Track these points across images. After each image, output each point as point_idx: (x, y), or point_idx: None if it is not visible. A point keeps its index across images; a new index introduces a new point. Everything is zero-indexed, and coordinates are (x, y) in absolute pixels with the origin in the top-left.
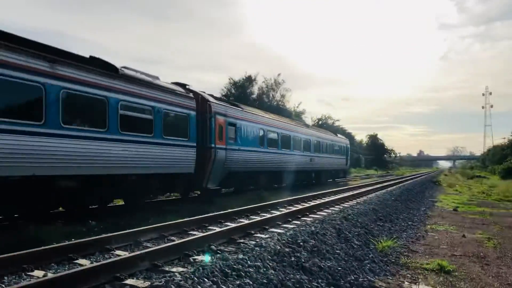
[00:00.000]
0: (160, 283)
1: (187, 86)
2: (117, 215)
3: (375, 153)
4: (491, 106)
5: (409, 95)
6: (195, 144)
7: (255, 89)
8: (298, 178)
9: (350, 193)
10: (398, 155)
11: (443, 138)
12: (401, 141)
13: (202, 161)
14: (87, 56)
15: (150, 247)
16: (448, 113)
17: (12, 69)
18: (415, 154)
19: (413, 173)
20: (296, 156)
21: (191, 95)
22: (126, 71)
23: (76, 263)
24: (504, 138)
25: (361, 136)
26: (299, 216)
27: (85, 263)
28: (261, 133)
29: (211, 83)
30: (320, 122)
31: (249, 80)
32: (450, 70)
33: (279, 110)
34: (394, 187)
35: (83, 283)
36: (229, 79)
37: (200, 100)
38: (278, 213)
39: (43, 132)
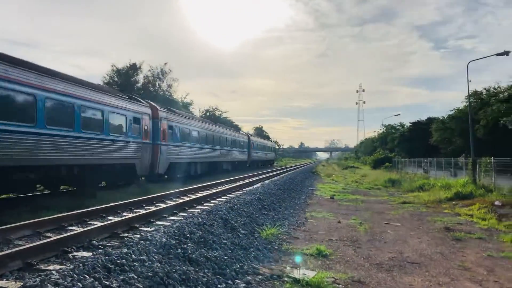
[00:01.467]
0: (34, 283)
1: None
2: None
3: None
4: (364, 102)
5: (293, 89)
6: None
7: (140, 78)
8: (215, 167)
9: (238, 183)
10: (281, 147)
11: (322, 131)
12: (284, 134)
13: (155, 154)
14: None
15: (22, 245)
16: (326, 108)
17: None
18: (296, 146)
19: (296, 164)
20: (214, 150)
21: (147, 105)
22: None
23: None
24: (374, 131)
25: (247, 128)
26: (186, 208)
27: None
28: (191, 132)
29: (92, 69)
30: (207, 114)
31: (134, 68)
32: (329, 68)
33: (166, 100)
34: (277, 177)
35: None
36: (112, 66)
37: (153, 108)
38: (164, 205)
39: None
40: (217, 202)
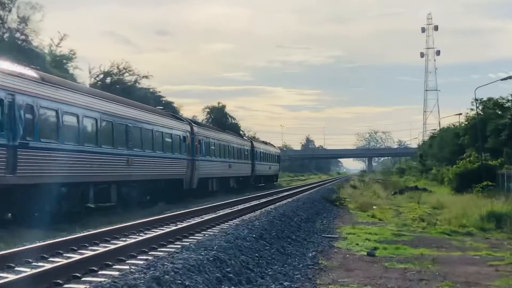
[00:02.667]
0: None
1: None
2: None
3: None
4: (437, 53)
5: (288, 27)
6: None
7: None
8: (225, 183)
9: (187, 223)
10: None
11: (349, 116)
12: (272, 121)
13: (193, 169)
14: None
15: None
16: (357, 67)
17: None
18: (297, 147)
19: (296, 184)
20: (224, 163)
21: (186, 122)
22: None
23: None
24: (458, 114)
25: (196, 110)
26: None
27: None
28: (211, 145)
29: None
30: (110, 80)
31: None
32: None
33: (17, 49)
34: (257, 212)
35: None
36: None
37: (190, 124)
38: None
39: None
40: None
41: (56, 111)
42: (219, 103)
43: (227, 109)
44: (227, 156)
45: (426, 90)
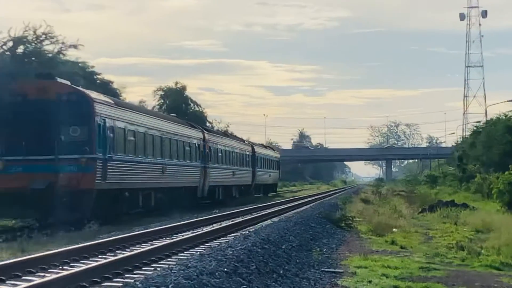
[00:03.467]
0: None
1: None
2: None
3: None
4: (484, 13)
5: None
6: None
7: None
8: (229, 192)
9: (131, 252)
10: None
11: (359, 101)
12: (253, 108)
13: (204, 176)
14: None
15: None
16: (372, 34)
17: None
18: (287, 145)
19: (286, 197)
20: (228, 170)
21: (200, 129)
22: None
23: None
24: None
25: (144, 93)
26: None
27: None
28: (218, 151)
29: None
30: (24, 50)
31: None
32: None
33: None
34: (230, 236)
35: None
36: None
37: (202, 131)
38: None
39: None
40: None
41: (130, 130)
42: (177, 83)
43: (189, 92)
44: (231, 163)
45: (468, 67)
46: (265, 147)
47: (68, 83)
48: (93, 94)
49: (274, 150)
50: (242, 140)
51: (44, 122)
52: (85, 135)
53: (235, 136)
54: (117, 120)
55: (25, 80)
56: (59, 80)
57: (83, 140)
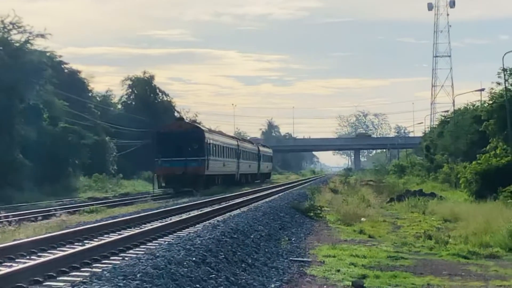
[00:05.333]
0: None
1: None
2: None
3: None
4: (452, 3)
5: None
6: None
7: None
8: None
9: (99, 241)
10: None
11: (328, 91)
12: (222, 99)
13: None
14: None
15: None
16: (340, 23)
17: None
18: (257, 134)
19: (253, 189)
20: (243, 163)
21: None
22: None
23: None
24: (480, 90)
25: (112, 82)
26: None
27: None
28: (229, 148)
29: None
30: None
31: None
32: None
33: None
34: (198, 226)
35: None
36: None
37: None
38: None
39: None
40: None
41: (217, 143)
42: (145, 72)
43: (157, 82)
44: (248, 159)
45: (436, 56)
46: (245, 141)
47: (192, 122)
48: (203, 128)
49: (253, 144)
50: (251, 143)
51: (182, 142)
52: (199, 148)
53: (249, 140)
54: (211, 139)
55: (172, 123)
56: (186, 121)
57: (199, 150)
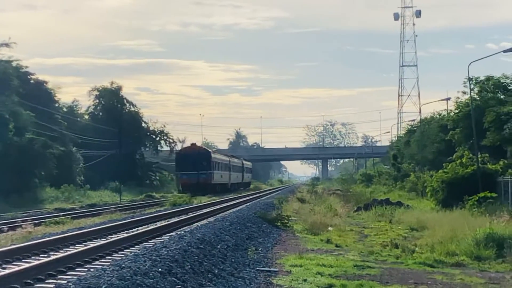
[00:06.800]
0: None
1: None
2: None
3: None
4: (418, 13)
5: None
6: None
7: None
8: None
9: (64, 252)
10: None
11: (295, 101)
12: (190, 109)
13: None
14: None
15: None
16: (306, 34)
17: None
18: (224, 145)
19: (219, 199)
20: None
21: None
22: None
23: None
24: (446, 100)
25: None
26: None
27: None
28: (224, 164)
29: None
30: None
31: None
32: None
33: None
34: (165, 236)
35: None
36: None
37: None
38: None
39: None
40: None
41: (218, 161)
42: (112, 83)
43: (124, 92)
44: (234, 171)
45: (402, 66)
46: (238, 158)
47: (203, 146)
48: (210, 150)
49: (227, 155)
50: (237, 158)
51: (195, 160)
52: (207, 164)
53: (233, 155)
54: (215, 158)
55: (188, 146)
56: (198, 145)
57: (206, 166)
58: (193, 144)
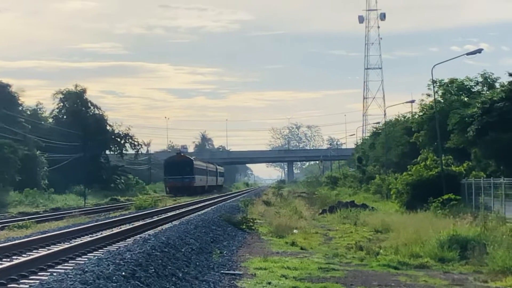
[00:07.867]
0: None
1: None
2: None
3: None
4: (383, 16)
5: None
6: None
7: None
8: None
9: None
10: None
11: (260, 104)
12: (155, 112)
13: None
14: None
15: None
16: (271, 36)
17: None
18: (190, 148)
19: (186, 201)
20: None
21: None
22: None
23: None
24: (411, 102)
25: (43, 96)
26: None
27: None
28: (203, 169)
29: None
30: None
31: None
32: None
33: None
34: (129, 240)
35: None
36: None
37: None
38: None
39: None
40: None
41: (198, 167)
42: (76, 86)
43: (89, 95)
44: (209, 175)
45: (367, 69)
46: (213, 163)
47: (187, 155)
48: (192, 158)
49: (210, 163)
50: (212, 164)
51: (180, 167)
52: (190, 170)
53: (209, 162)
54: (196, 165)
55: (174, 155)
56: (182, 154)
57: (189, 171)
58: (179, 153)
